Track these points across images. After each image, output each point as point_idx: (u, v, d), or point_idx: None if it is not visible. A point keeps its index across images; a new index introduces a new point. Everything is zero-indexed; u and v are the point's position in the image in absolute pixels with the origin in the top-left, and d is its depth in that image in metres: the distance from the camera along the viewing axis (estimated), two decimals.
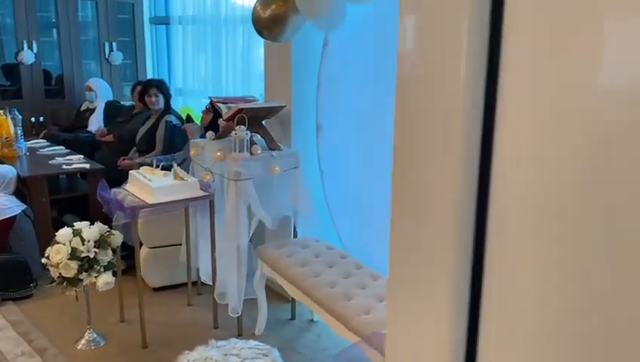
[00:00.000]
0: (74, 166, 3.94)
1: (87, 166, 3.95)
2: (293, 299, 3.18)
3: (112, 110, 5.24)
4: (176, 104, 4.94)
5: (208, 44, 4.99)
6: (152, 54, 5.98)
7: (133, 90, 4.90)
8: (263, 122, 3.12)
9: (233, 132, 2.87)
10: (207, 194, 2.96)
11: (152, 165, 3.11)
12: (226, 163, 2.92)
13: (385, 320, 2.13)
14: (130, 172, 3.08)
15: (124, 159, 4.07)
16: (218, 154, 2.93)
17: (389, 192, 2.71)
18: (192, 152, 3.26)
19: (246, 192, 2.87)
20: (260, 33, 2.78)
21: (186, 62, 5.39)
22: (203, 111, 3.80)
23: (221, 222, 2.98)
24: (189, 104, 5.15)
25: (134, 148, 4.27)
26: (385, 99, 2.79)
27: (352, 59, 3.03)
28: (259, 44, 3.83)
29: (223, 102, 3.19)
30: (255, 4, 2.75)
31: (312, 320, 3.19)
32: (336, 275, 2.57)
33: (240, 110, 2.95)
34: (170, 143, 4.09)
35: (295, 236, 3.15)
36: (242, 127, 2.88)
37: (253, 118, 2.96)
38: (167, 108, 4.21)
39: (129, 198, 2.85)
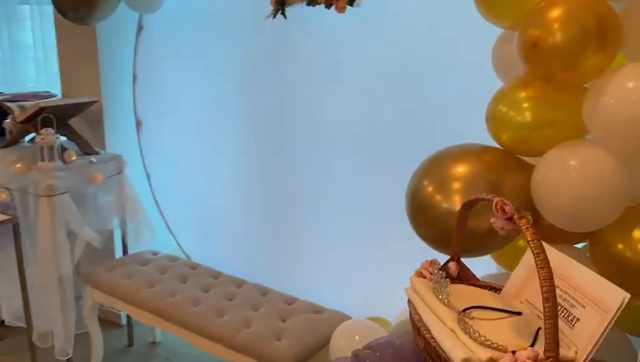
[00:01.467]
0: None
1: None
2: (128, 322, 2.78)
3: None
4: None
5: None
6: None
7: None
8: (69, 122, 2.60)
9: (39, 136, 2.32)
10: (8, 217, 2.36)
11: None
12: (31, 175, 2.36)
13: (268, 330, 1.98)
14: None
15: None
16: (18, 166, 2.35)
17: (226, 188, 2.52)
18: None
19: (63, 209, 2.36)
20: (63, 14, 2.28)
21: None
22: None
23: (31, 250, 2.42)
24: None
25: None
26: (214, 88, 2.61)
27: (173, 44, 2.69)
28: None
29: (11, 100, 2.56)
30: None
31: (154, 342, 2.82)
32: (195, 290, 2.28)
33: (42, 109, 2.39)
34: None
35: (126, 252, 2.72)
36: (50, 129, 2.35)
37: (58, 117, 2.44)
38: None
39: None
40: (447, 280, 1.09)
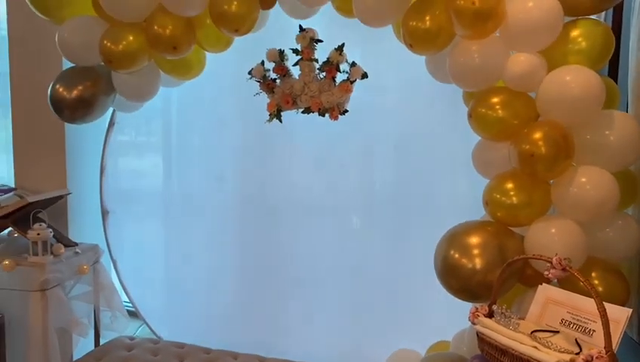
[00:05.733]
0: None
1: None
2: None
3: None
4: None
5: None
6: None
7: None
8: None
9: (33, 231, 2.36)
10: None
11: None
12: (20, 271, 2.36)
13: None
14: None
15: None
16: (6, 262, 2.34)
17: (196, 266, 2.80)
18: None
19: (57, 303, 2.39)
20: (59, 112, 2.40)
21: None
22: None
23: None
24: None
25: None
26: (183, 174, 2.87)
27: (143, 137, 2.92)
28: None
29: None
30: (54, 84, 2.37)
31: None
32: None
33: (27, 204, 2.44)
34: None
35: (98, 339, 2.74)
36: (43, 224, 2.40)
37: (35, 211, 2.49)
38: None
39: None
40: (515, 315, 1.60)
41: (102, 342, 2.74)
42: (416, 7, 1.93)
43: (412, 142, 2.57)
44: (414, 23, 1.91)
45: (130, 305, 2.92)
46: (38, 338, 2.36)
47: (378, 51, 2.43)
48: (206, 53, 2.47)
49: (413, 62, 2.12)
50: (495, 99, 1.89)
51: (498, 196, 1.91)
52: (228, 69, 2.55)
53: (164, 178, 2.93)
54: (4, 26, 3.33)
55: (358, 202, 2.70)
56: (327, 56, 2.30)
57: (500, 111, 1.88)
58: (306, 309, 2.75)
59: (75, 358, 2.60)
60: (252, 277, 2.82)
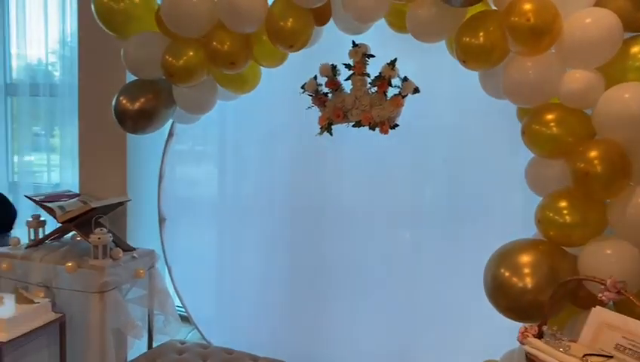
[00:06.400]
0: None
1: None
2: None
3: None
4: None
5: None
6: None
7: None
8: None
9: (94, 236, 2.48)
10: (58, 315, 2.44)
11: None
12: (82, 273, 2.48)
13: None
14: None
15: None
16: (69, 264, 2.46)
17: (249, 275, 2.85)
18: (2, 266, 2.59)
19: (116, 305, 2.50)
20: (121, 123, 2.53)
21: None
22: None
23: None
24: None
25: None
26: (238, 183, 2.95)
27: (201, 146, 3.03)
28: None
29: (47, 201, 2.68)
30: (118, 96, 2.50)
31: None
32: None
33: (90, 209, 2.57)
34: None
35: (151, 343, 2.84)
36: (104, 229, 2.52)
37: (97, 217, 2.62)
38: None
39: None
40: (566, 337, 1.57)
41: (154, 344, 2.83)
42: (469, 23, 1.94)
43: (462, 156, 2.55)
44: (468, 39, 1.91)
45: (182, 309, 3.01)
46: (96, 337, 2.47)
47: (430, 65, 2.43)
48: (261, 67, 2.54)
49: (466, 76, 2.12)
50: (549, 116, 1.86)
51: (551, 214, 1.88)
52: (281, 83, 2.61)
53: (219, 187, 3.02)
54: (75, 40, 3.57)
55: (407, 215, 2.70)
56: (379, 71, 2.33)
57: (554, 129, 1.85)
58: (354, 319, 2.76)
59: (128, 359, 2.70)
60: (301, 286, 2.85)
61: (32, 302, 2.34)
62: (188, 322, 3.05)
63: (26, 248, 2.65)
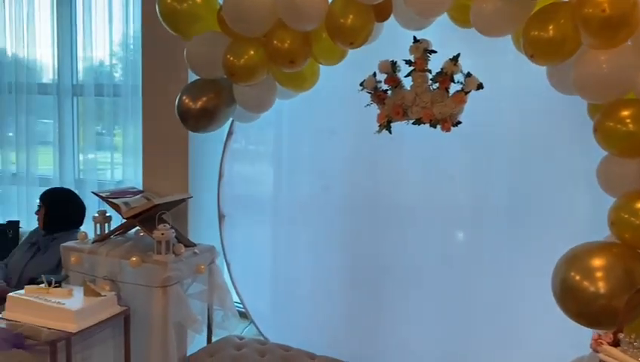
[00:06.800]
0: None
1: None
2: None
3: None
4: None
5: None
6: None
7: None
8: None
9: (158, 231, 2.54)
10: (123, 308, 2.51)
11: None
12: (144, 268, 2.55)
13: None
14: (12, 295, 2.38)
15: None
16: (134, 259, 2.53)
17: (308, 274, 2.84)
18: (71, 260, 2.70)
19: (178, 299, 2.56)
20: (184, 121, 2.58)
21: None
22: (37, 212, 3.16)
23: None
24: None
25: None
26: (295, 183, 2.96)
27: (258, 145, 3.06)
28: None
29: (113, 197, 2.77)
30: (181, 95, 2.56)
31: None
32: None
33: (154, 206, 2.63)
34: None
35: (210, 338, 2.89)
36: (167, 225, 2.58)
37: (160, 213, 2.68)
38: None
39: (33, 329, 2.22)
40: None
41: (213, 339, 2.88)
42: (538, 16, 1.86)
43: (527, 154, 2.47)
44: (536, 33, 1.84)
45: (240, 305, 3.05)
46: (159, 330, 2.53)
47: (492, 61, 2.37)
48: (320, 65, 2.54)
49: (531, 71, 2.05)
50: (625, 113, 1.77)
51: (626, 216, 1.79)
52: (338, 80, 2.60)
53: (277, 185, 3.04)
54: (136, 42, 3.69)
55: (467, 215, 2.64)
56: (440, 67, 2.28)
57: (630, 125, 1.76)
58: (411, 320, 2.72)
59: (189, 353, 2.76)
60: (359, 286, 2.83)
61: (99, 294, 2.42)
62: (245, 318, 3.09)
63: (93, 243, 2.75)
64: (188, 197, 2.87)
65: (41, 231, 3.12)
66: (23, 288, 2.46)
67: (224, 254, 3.03)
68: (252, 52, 2.33)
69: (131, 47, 3.76)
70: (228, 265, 3.05)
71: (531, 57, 1.90)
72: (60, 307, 2.28)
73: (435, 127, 2.35)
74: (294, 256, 3.00)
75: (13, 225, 3.54)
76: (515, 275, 2.45)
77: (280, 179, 3.05)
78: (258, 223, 3.09)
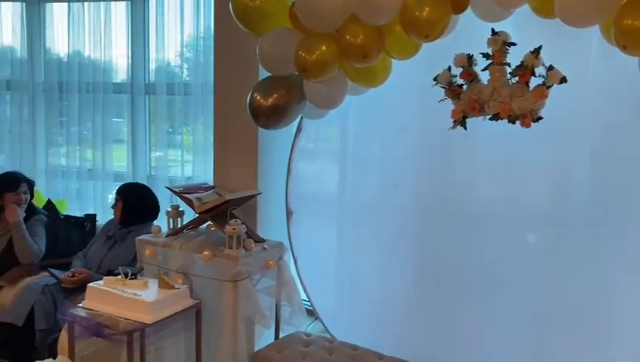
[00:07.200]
0: None
1: None
2: None
3: None
4: None
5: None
6: None
7: None
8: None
9: (229, 226, 2.57)
10: (195, 301, 2.56)
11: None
12: (216, 262, 2.58)
13: None
14: (91, 285, 2.48)
15: (74, 274, 3.05)
16: (206, 253, 2.58)
17: (377, 273, 2.77)
18: (146, 252, 2.78)
19: (247, 294, 2.58)
20: (255, 118, 2.60)
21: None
22: (114, 206, 3.28)
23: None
24: None
25: None
26: (363, 180, 2.93)
27: (326, 142, 3.06)
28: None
29: (186, 192, 2.83)
30: (252, 92, 2.58)
31: None
32: None
33: (226, 201, 2.67)
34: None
35: (277, 334, 2.91)
36: (238, 220, 2.61)
37: (231, 208, 2.71)
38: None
39: (112, 319, 2.30)
40: None
41: (280, 335, 2.89)
42: (632, 4, 1.75)
43: (612, 153, 2.33)
44: (630, 22, 1.73)
45: (307, 302, 3.05)
46: (229, 324, 2.57)
47: (576, 53, 2.26)
48: (391, 60, 2.50)
49: (615, 64, 1.93)
50: None
51: None
52: (409, 75, 2.55)
53: (344, 182, 3.02)
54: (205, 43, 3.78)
55: (545, 216, 2.52)
56: (520, 60, 2.18)
57: None
58: (482, 323, 2.63)
59: (256, 348, 2.78)
60: (428, 287, 2.77)
61: (172, 287, 2.47)
62: (311, 314, 3.08)
63: (166, 236, 2.81)
64: (257, 194, 2.89)
65: (118, 224, 3.23)
66: (101, 278, 2.56)
67: (292, 250, 3.04)
68: (324, 47, 2.31)
69: (201, 47, 3.86)
70: (295, 261, 3.06)
71: (623, 48, 1.79)
72: (136, 298, 2.34)
73: (513, 123, 2.26)
74: (361, 254, 2.97)
75: (91, 218, 3.70)
76: (604, 276, 2.31)
77: (347, 177, 3.03)
78: (325, 220, 3.08)
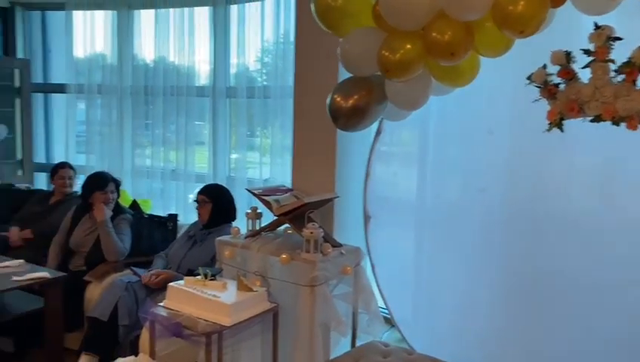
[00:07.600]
0: (28, 276, 3.06)
1: (47, 275, 3.12)
2: None
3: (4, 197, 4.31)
4: None
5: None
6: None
7: (54, 173, 4.13)
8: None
9: (307, 230, 2.53)
10: (273, 305, 2.54)
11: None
12: (293, 265, 2.55)
13: None
14: (172, 285, 2.51)
15: (155, 275, 3.11)
16: (284, 256, 2.55)
17: (457, 282, 2.61)
18: (225, 253, 2.79)
19: (325, 299, 2.52)
20: (335, 120, 2.54)
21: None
22: (199, 207, 3.32)
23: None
24: None
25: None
26: (443, 186, 2.80)
27: (407, 145, 2.95)
28: None
29: (266, 195, 2.82)
30: (333, 94, 2.52)
31: None
32: None
33: (304, 204, 2.63)
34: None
35: (354, 342, 2.83)
36: (316, 224, 2.56)
37: (309, 212, 2.66)
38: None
39: (191, 320, 2.31)
40: None
41: (357, 344, 2.81)
42: None
43: None
44: None
45: (385, 310, 2.96)
46: (306, 329, 2.52)
47: None
48: (480, 58, 2.36)
49: None
50: None
51: None
52: (498, 74, 2.40)
53: (425, 187, 2.90)
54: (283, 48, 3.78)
55: None
56: (627, 57, 1.99)
57: None
58: (578, 338, 2.43)
59: (332, 356, 2.71)
60: (512, 297, 2.61)
61: (251, 290, 2.46)
62: (388, 322, 2.98)
63: (245, 238, 2.81)
64: (335, 197, 2.83)
65: (200, 225, 3.28)
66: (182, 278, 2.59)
67: (369, 256, 2.96)
68: (409, 46, 2.21)
69: (280, 51, 3.87)
70: (373, 267, 2.97)
71: None
72: (216, 300, 2.35)
73: (618, 125, 2.06)
74: (442, 261, 2.84)
75: (173, 218, 3.79)
76: None
77: (428, 181, 2.91)
78: (404, 225, 2.97)
